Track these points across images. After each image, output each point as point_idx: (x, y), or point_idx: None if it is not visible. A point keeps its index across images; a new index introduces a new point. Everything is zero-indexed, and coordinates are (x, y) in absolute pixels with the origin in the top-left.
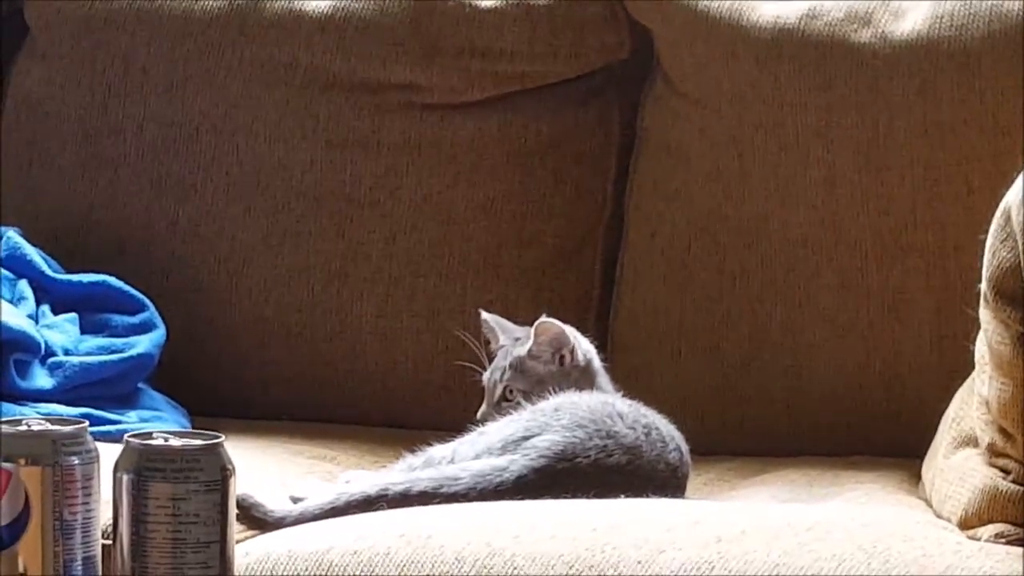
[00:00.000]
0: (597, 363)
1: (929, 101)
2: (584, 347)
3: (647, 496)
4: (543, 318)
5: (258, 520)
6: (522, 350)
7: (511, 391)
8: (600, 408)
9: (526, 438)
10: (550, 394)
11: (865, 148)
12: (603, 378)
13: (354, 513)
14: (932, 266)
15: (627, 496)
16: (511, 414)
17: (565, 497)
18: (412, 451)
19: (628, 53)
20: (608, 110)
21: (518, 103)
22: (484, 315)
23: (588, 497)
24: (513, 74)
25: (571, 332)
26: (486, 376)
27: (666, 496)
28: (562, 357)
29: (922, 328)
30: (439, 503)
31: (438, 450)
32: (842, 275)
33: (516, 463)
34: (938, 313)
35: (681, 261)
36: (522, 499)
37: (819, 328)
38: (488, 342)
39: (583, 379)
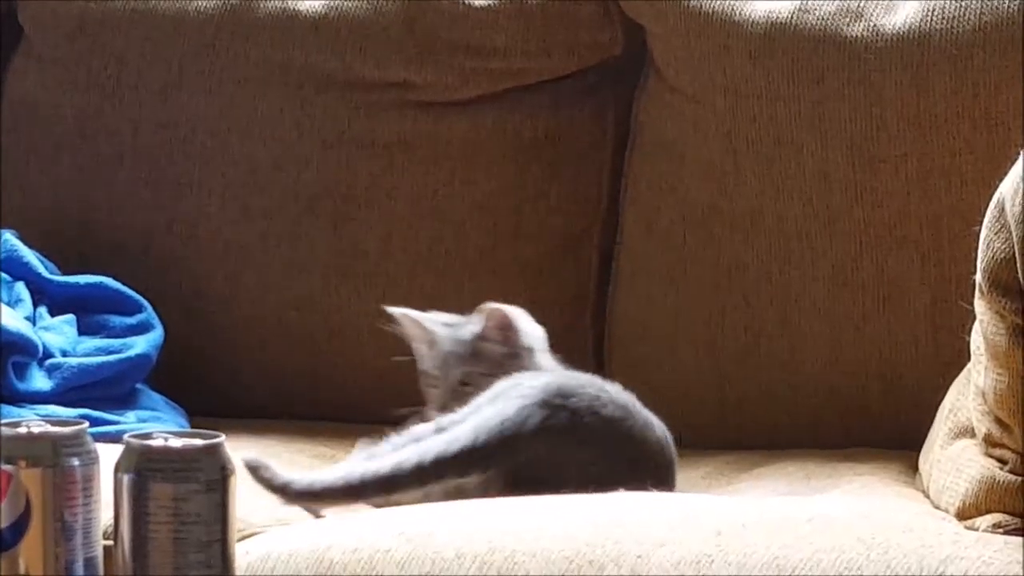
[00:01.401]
0: (542, 345)
1: (922, 94)
2: (528, 328)
3: (641, 456)
4: (490, 303)
5: (265, 482)
6: (469, 333)
7: (469, 375)
8: (589, 377)
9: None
10: (501, 377)
11: (858, 141)
12: (549, 360)
13: (370, 494)
14: (926, 258)
15: (623, 453)
16: (473, 398)
17: (568, 438)
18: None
19: (621, 50)
20: (602, 106)
21: (513, 100)
22: (395, 311)
23: (591, 444)
24: (507, 71)
25: (514, 312)
26: (431, 365)
27: (657, 469)
28: (509, 338)
29: (917, 320)
30: (460, 464)
31: (421, 427)
32: (837, 268)
33: (525, 407)
34: (933, 305)
35: (677, 255)
36: (538, 441)
37: (814, 321)
38: (411, 338)
39: (530, 361)
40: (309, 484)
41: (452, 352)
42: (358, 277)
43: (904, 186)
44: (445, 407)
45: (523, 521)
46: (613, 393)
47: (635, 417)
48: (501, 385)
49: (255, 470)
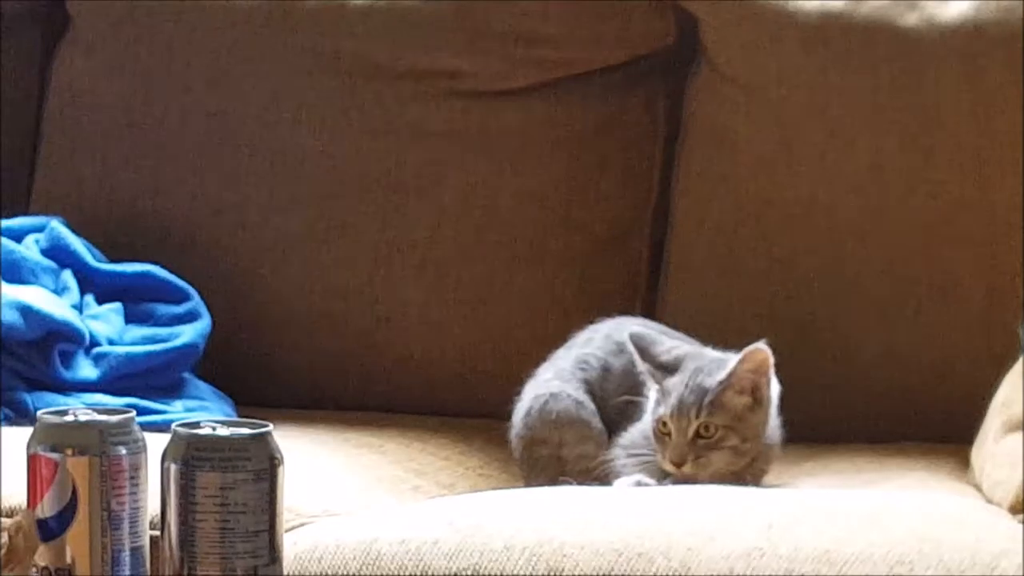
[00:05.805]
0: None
1: (976, 84)
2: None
3: None
4: (758, 345)
5: None
6: (716, 379)
7: (708, 427)
8: None
9: None
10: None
11: (912, 132)
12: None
13: None
14: (981, 250)
15: None
16: (718, 454)
17: None
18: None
19: (674, 39)
20: (654, 96)
21: (563, 90)
22: (632, 333)
23: None
24: (558, 61)
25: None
26: (668, 411)
27: None
28: (757, 389)
29: (971, 312)
30: None
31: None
32: (890, 260)
33: None
34: (987, 297)
35: (728, 247)
36: None
37: (867, 313)
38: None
39: (767, 418)
40: None
41: (686, 401)
42: (406, 267)
43: (958, 177)
44: (683, 461)
45: (572, 513)
46: None
47: None
48: None
49: None
